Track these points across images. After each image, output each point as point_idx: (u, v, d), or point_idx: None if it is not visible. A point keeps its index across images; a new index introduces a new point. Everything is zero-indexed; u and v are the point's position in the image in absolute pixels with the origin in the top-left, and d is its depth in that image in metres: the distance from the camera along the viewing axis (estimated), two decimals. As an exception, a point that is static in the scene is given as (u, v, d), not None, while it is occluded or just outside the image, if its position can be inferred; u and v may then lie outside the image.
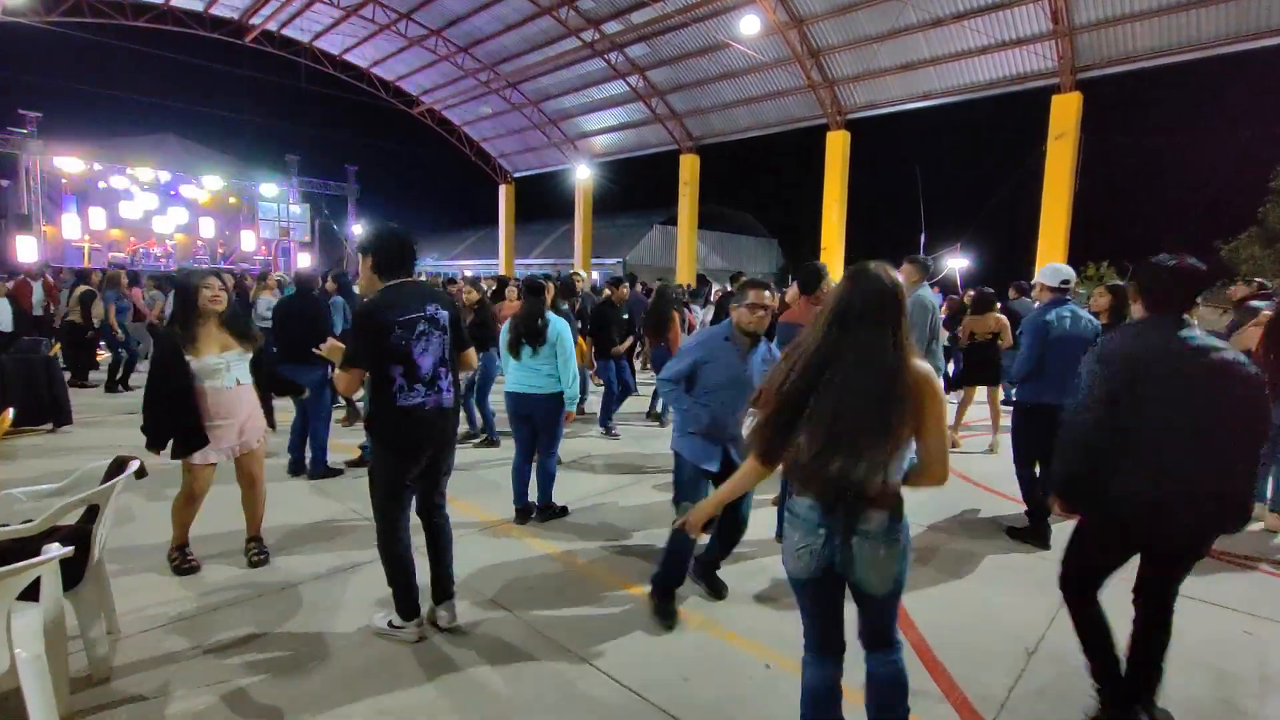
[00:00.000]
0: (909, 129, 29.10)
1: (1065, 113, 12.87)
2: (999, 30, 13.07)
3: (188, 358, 3.16)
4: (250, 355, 3.39)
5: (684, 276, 19.29)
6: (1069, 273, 4.14)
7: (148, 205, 23.79)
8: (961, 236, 17.70)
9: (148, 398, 3.25)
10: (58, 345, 6.90)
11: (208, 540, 3.74)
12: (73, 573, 2.36)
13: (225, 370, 3.25)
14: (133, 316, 9.36)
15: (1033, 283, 4.83)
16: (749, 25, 13.99)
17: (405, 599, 2.77)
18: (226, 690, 2.43)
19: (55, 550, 1.97)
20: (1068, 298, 4.09)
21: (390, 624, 2.79)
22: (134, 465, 2.62)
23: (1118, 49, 12.40)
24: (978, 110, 15.13)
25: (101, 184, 22.32)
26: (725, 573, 3.52)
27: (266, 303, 8.93)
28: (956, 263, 17.03)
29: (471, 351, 3.03)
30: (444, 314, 2.76)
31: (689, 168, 19.86)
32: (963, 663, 2.72)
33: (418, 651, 2.71)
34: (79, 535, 2.42)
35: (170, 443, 3.18)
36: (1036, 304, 4.48)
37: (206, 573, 3.37)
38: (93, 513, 2.53)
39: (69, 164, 21.11)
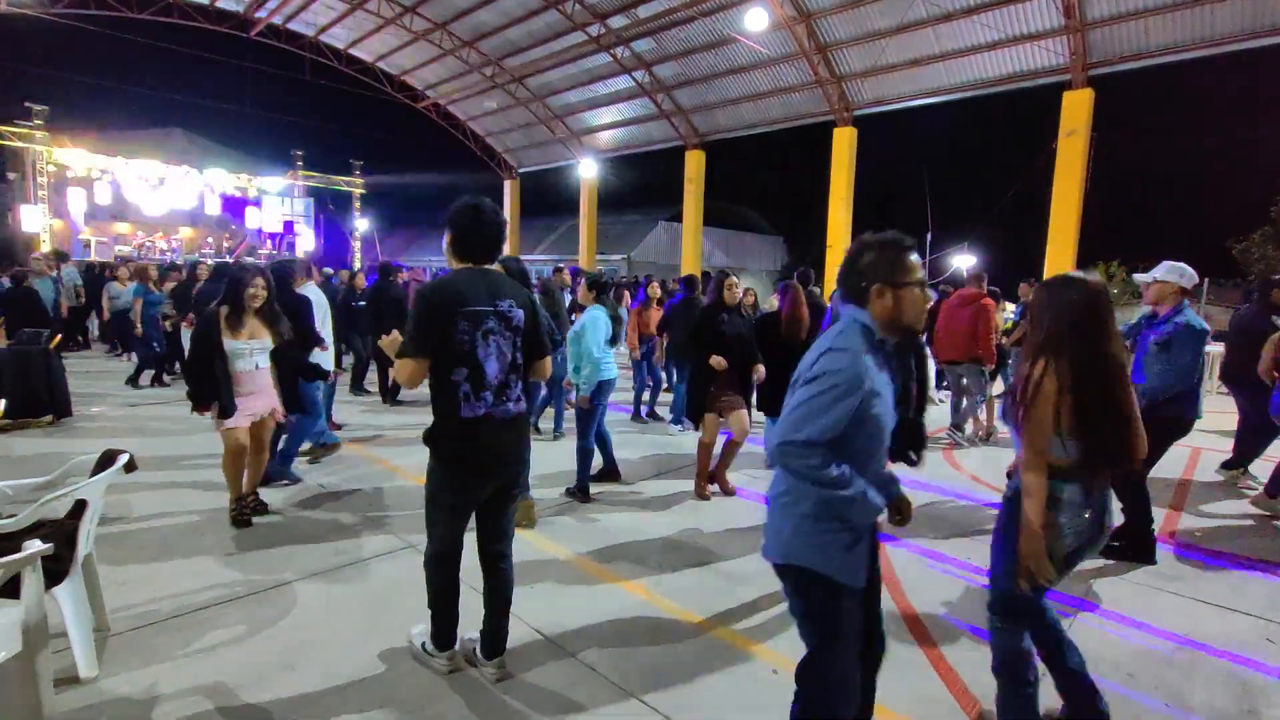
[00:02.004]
0: (917, 125, 28.87)
1: (1076, 109, 12.69)
2: (1010, 25, 12.90)
3: (223, 338, 3.67)
4: (272, 345, 3.88)
5: (688, 273, 19.19)
6: (1195, 273, 3.74)
7: (153, 199, 23.78)
8: (969, 235, 17.57)
9: (189, 368, 3.87)
10: (58, 337, 6.83)
11: (203, 539, 3.69)
12: (58, 569, 2.29)
13: (249, 355, 3.77)
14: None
15: (1143, 281, 3.82)
16: (756, 20, 13.83)
17: (443, 629, 2.49)
18: (215, 690, 2.36)
19: (33, 548, 1.90)
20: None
21: (424, 647, 2.55)
22: (123, 459, 2.55)
23: (1131, 45, 12.21)
24: (987, 107, 14.98)
25: (108, 177, 22.30)
26: (720, 577, 3.45)
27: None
28: (963, 261, 16.90)
29: (547, 361, 2.56)
30: (519, 313, 2.38)
31: (694, 164, 19.72)
32: (979, 671, 2.63)
33: (410, 655, 2.63)
34: (64, 531, 2.36)
35: (212, 405, 3.70)
36: (1157, 310, 3.77)
37: (200, 569, 3.30)
38: (80, 507, 2.46)
39: (75, 157, 21.09)
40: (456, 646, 2.53)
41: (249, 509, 3.90)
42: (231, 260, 22.30)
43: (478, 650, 2.54)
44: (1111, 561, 3.69)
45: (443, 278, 2.34)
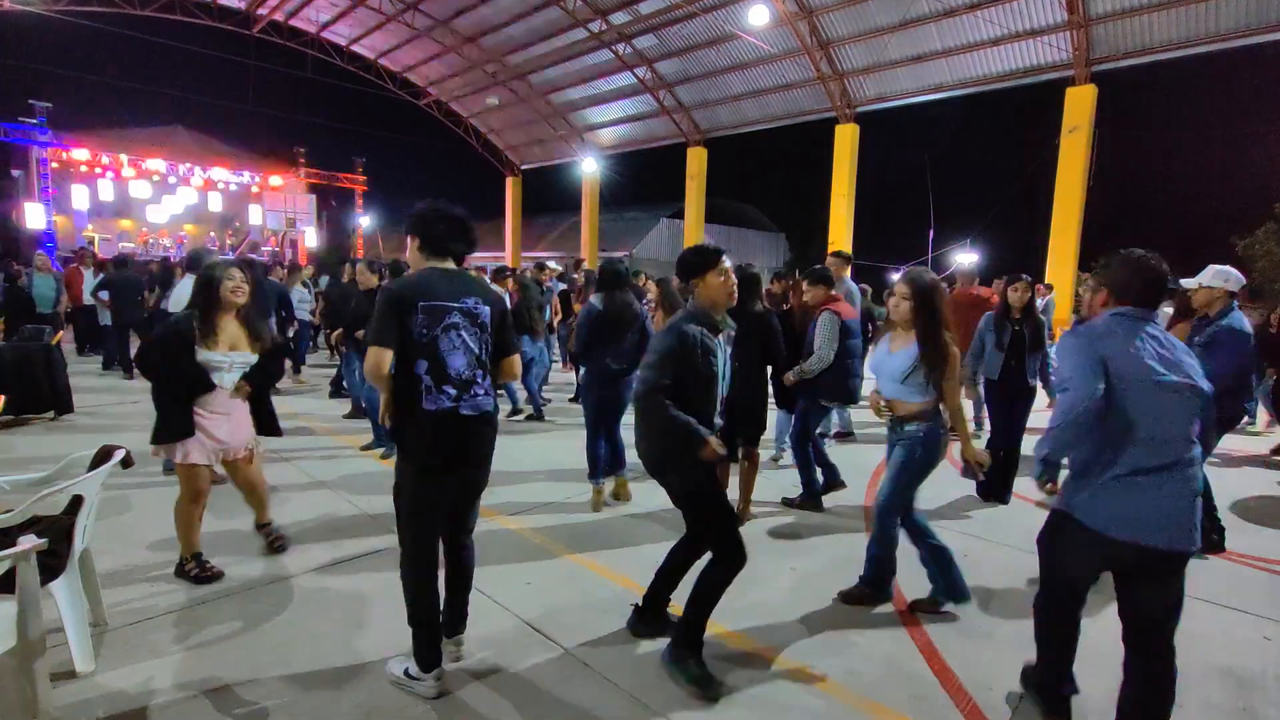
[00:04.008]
0: (919, 122, 28.82)
1: (1079, 105, 12.66)
2: (1013, 21, 12.85)
3: (196, 348, 3.00)
4: (255, 358, 3.19)
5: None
6: (1242, 276, 3.82)
7: (157, 196, 23.85)
8: (971, 232, 17.50)
9: (159, 393, 3.02)
10: (60, 334, 6.86)
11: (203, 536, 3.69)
12: (54, 564, 2.30)
13: (227, 370, 3.09)
14: None
15: (1189, 285, 3.83)
16: (758, 16, 13.80)
17: (427, 645, 2.36)
18: (211, 686, 2.37)
19: (27, 543, 1.90)
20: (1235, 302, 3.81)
21: (407, 673, 2.38)
22: (119, 454, 2.56)
23: (1134, 41, 12.17)
24: (990, 103, 14.95)
25: (111, 174, 22.36)
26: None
27: (299, 294, 8.92)
28: (966, 258, 16.84)
29: (515, 359, 2.57)
30: (485, 309, 2.36)
31: (696, 161, 19.71)
32: (972, 669, 2.63)
33: (409, 647, 2.64)
34: (60, 526, 2.36)
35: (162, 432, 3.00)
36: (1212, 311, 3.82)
37: (198, 564, 3.31)
38: (77, 502, 2.47)
39: (79, 154, 21.15)
40: (443, 667, 2.41)
41: (273, 543, 3.44)
42: (234, 255, 22.29)
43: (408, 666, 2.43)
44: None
45: (408, 276, 2.34)
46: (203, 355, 3.01)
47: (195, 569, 3.12)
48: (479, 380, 2.36)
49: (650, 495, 4.62)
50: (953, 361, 2.83)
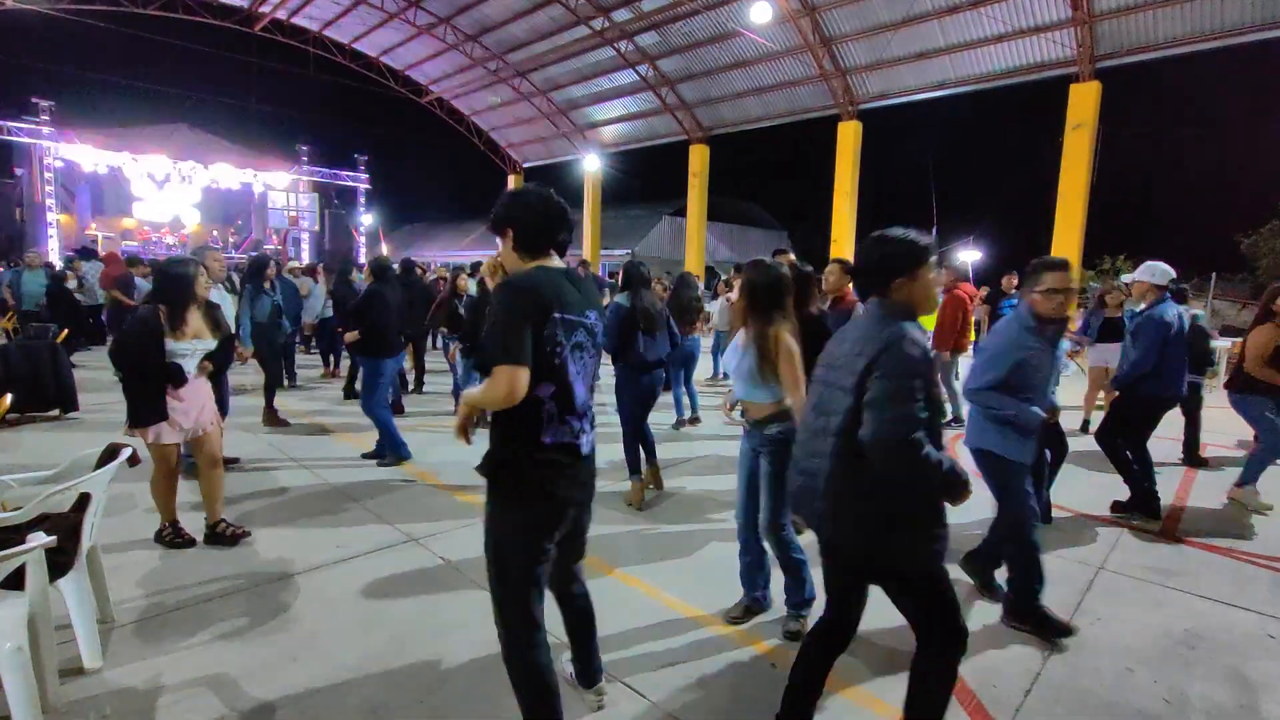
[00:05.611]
0: (922, 119, 28.77)
1: (1083, 102, 12.62)
2: (1017, 17, 12.80)
3: (165, 340, 3.27)
4: (215, 344, 3.52)
5: (693, 268, 19.17)
6: (1172, 271, 4.24)
7: (160, 194, 23.91)
8: (975, 229, 17.47)
9: (128, 382, 3.28)
10: (65, 332, 6.89)
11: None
12: (62, 561, 2.32)
13: (191, 357, 3.39)
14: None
15: (1127, 280, 4.55)
16: (760, 13, 13.76)
17: None
18: (218, 682, 2.39)
19: (37, 540, 1.92)
20: (1167, 295, 4.22)
21: None
22: (126, 453, 2.58)
23: (1139, 37, 12.11)
24: (993, 100, 14.91)
25: (114, 173, 22.42)
26: (721, 564, 3.46)
27: (318, 292, 8.82)
28: (969, 255, 16.80)
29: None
30: (600, 327, 2.01)
31: (698, 158, 19.69)
32: (977, 665, 2.63)
33: (414, 645, 2.66)
34: (68, 524, 2.38)
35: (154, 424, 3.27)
36: (1139, 304, 4.45)
37: (204, 561, 3.33)
38: (85, 500, 2.49)
39: (82, 153, 21.20)
40: None
41: (226, 536, 3.51)
42: (239, 255, 22.32)
43: (573, 679, 2.33)
44: (1121, 529, 4.05)
45: (529, 273, 1.87)
46: (170, 345, 3.28)
47: (170, 534, 3.46)
48: (589, 413, 1.99)
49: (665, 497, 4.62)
50: (784, 352, 2.58)
